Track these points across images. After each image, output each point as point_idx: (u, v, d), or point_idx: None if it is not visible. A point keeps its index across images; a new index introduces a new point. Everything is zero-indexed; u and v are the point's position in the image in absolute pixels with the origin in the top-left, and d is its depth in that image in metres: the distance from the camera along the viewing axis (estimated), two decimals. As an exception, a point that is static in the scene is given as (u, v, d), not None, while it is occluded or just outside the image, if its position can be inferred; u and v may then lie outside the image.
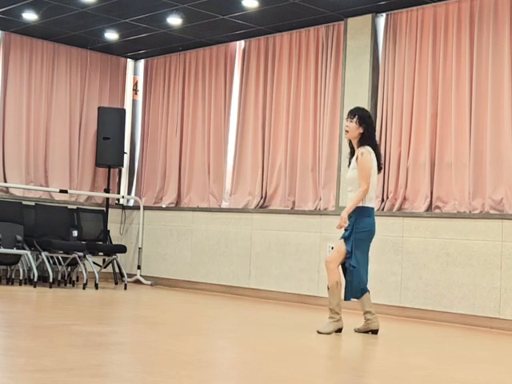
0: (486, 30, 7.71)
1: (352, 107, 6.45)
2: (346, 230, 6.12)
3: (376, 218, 7.30)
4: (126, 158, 11.24)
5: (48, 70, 10.59)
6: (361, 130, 6.16)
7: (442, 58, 8.03)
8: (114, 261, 10.05)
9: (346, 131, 6.24)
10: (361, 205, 6.09)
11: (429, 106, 8.07)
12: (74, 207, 10.25)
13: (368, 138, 6.19)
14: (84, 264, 9.38)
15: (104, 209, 10.68)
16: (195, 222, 10.15)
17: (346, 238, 6.08)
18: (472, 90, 7.75)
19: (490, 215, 7.42)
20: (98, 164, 10.79)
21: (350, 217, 6.07)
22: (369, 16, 8.54)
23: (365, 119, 6.19)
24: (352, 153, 6.30)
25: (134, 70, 11.49)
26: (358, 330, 6.21)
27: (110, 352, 4.71)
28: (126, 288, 9.57)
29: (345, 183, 6.57)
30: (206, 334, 5.92)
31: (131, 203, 11.25)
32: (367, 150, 6.13)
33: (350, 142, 6.31)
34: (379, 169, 6.27)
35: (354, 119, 6.17)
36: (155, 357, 4.47)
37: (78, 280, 9.76)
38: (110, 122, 10.67)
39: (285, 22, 9.10)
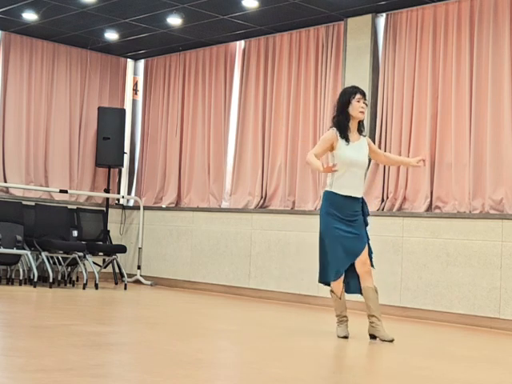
0: (485, 29, 7.71)
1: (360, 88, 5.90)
2: (352, 222, 6.01)
3: (376, 217, 7.30)
4: (126, 158, 11.24)
5: (48, 70, 10.58)
6: None
7: (442, 58, 8.03)
8: (114, 261, 10.05)
9: (363, 112, 5.77)
10: None
11: (429, 106, 8.06)
12: (74, 207, 10.25)
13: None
14: (84, 264, 9.38)
15: (104, 209, 10.68)
16: (195, 222, 10.14)
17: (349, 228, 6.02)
18: (472, 90, 7.75)
19: (490, 215, 7.42)
20: (98, 164, 10.78)
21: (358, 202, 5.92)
22: (369, 16, 8.54)
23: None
24: (345, 133, 5.73)
25: (134, 70, 11.49)
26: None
27: (110, 352, 4.71)
28: (125, 288, 9.57)
29: (352, 166, 5.77)
30: (206, 334, 5.92)
31: (131, 203, 11.24)
32: None
33: (346, 122, 5.75)
34: None
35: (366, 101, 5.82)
36: (155, 357, 4.47)
37: (77, 280, 9.76)
38: (110, 122, 10.67)
39: (285, 22, 9.10)
